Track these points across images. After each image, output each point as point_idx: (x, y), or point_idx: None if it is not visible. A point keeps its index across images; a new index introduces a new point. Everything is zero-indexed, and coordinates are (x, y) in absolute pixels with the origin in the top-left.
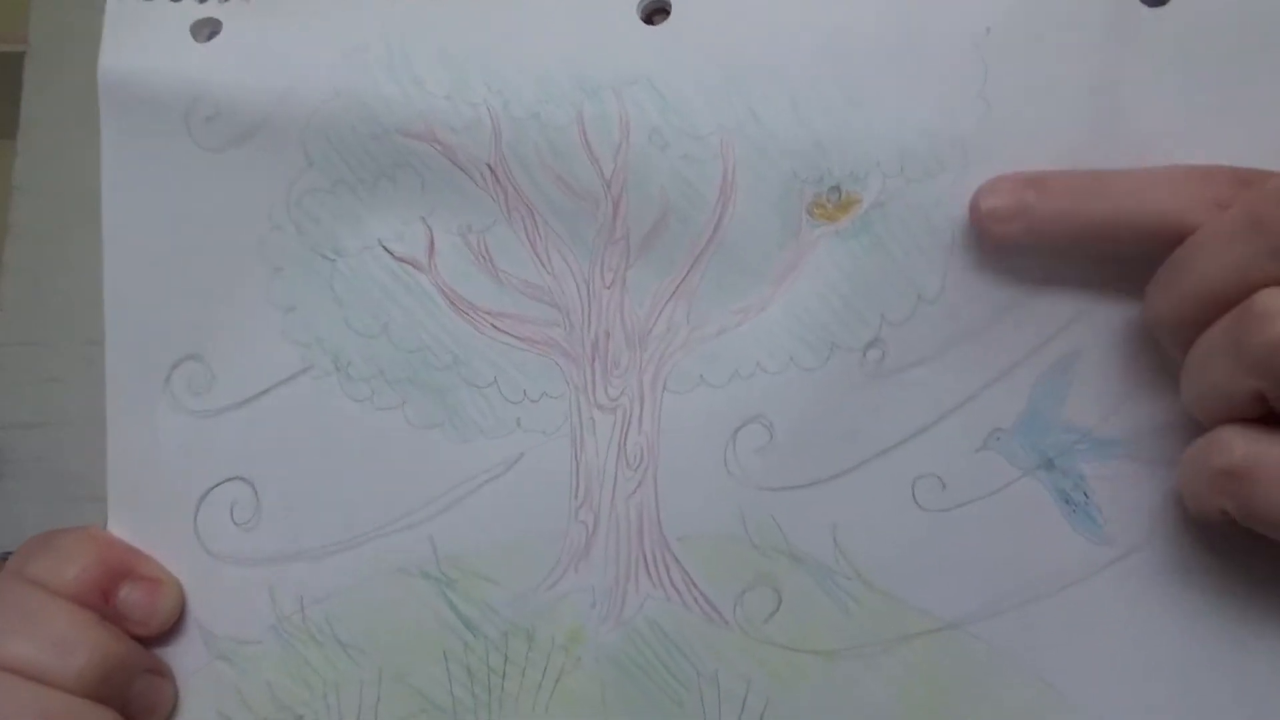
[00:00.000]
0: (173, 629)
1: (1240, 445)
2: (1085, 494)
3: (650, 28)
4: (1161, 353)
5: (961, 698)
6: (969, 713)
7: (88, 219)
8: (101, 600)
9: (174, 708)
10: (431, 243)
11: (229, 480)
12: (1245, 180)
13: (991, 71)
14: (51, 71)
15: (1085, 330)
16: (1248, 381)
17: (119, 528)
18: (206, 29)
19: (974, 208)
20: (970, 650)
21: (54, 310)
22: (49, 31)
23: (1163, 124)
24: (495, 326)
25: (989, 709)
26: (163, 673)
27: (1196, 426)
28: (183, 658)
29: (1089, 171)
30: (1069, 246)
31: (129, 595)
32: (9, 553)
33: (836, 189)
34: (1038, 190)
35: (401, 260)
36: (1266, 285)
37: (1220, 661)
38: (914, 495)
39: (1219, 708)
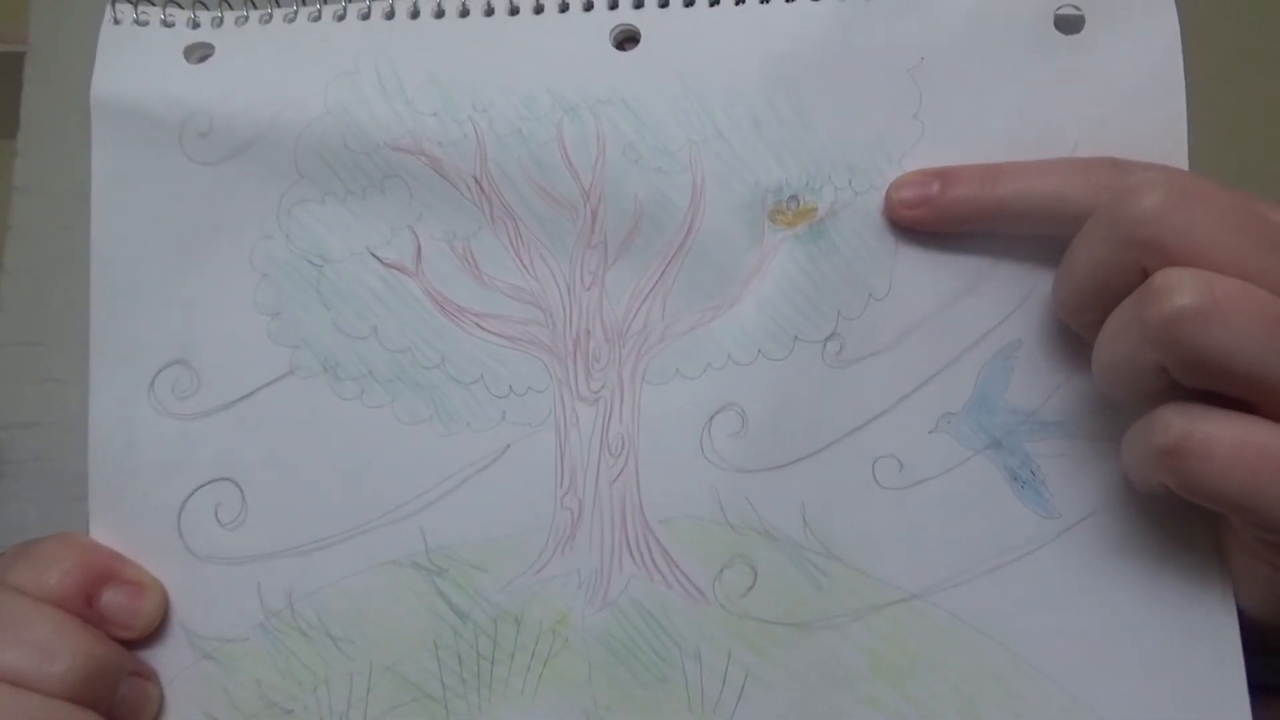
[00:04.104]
0: (157, 631)
1: (1177, 424)
2: (1032, 471)
3: (622, 53)
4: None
5: (929, 664)
6: (936, 678)
7: (88, 219)
8: (84, 605)
9: (160, 710)
10: (419, 249)
11: (214, 481)
12: (1122, 167)
13: (925, 96)
14: (51, 71)
15: (1024, 321)
16: (1149, 355)
17: (101, 533)
18: (199, 52)
19: (887, 198)
20: (934, 619)
21: (54, 310)
22: (49, 31)
23: (1078, 138)
24: (480, 326)
25: (954, 674)
26: (147, 675)
27: (1131, 406)
28: (168, 660)
29: (987, 164)
30: (973, 229)
31: (112, 599)
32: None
33: (795, 198)
34: (942, 181)
35: (390, 266)
36: (1123, 271)
37: (1165, 621)
38: (874, 475)
39: (1166, 664)
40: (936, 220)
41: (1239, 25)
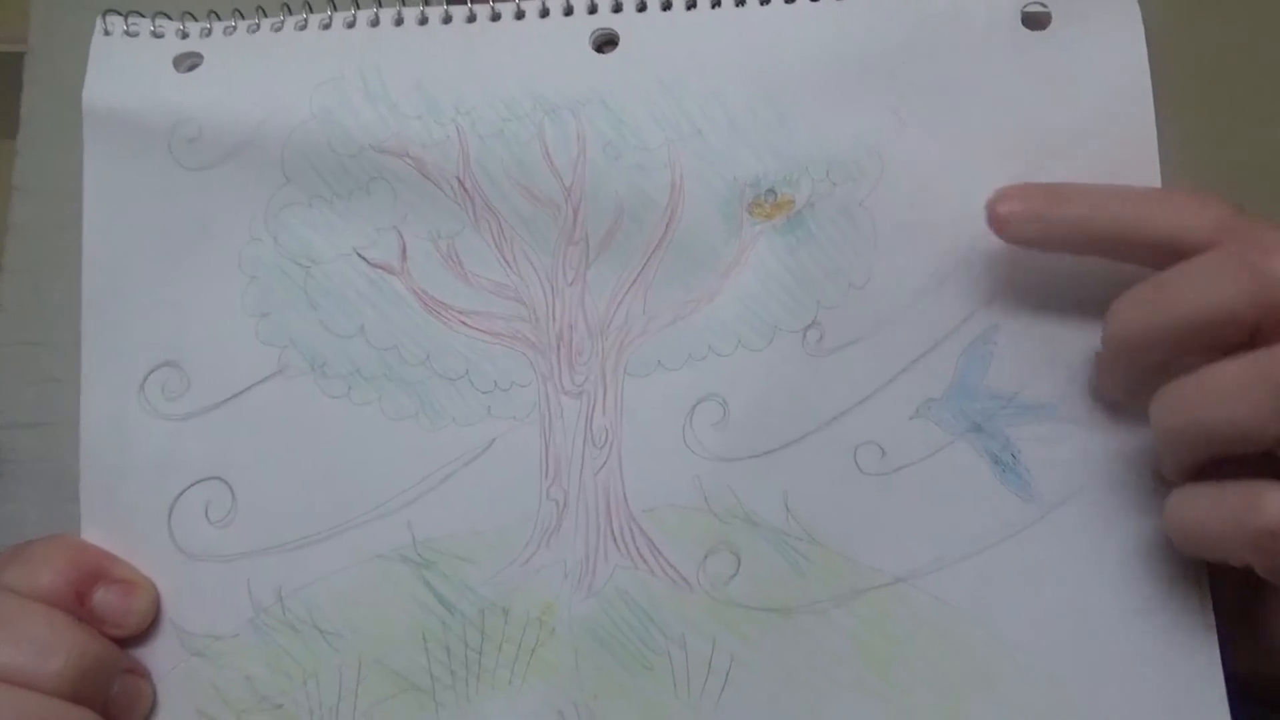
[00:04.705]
0: (148, 629)
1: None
2: (1013, 455)
3: (601, 56)
4: (1073, 336)
5: (913, 647)
6: (920, 661)
7: None
8: (76, 603)
9: (152, 707)
10: (403, 249)
11: (204, 480)
12: (1242, 212)
13: (903, 90)
14: (51, 71)
15: (1002, 307)
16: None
17: (92, 533)
18: (188, 61)
19: (991, 211)
20: (918, 603)
21: (54, 310)
22: (49, 31)
23: (1049, 131)
24: (465, 323)
25: (938, 656)
26: (140, 673)
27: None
28: (159, 657)
29: (1100, 186)
30: (1076, 251)
31: (103, 598)
32: None
33: (772, 191)
34: (1053, 199)
35: (375, 266)
36: (1235, 323)
37: (1144, 602)
38: (856, 461)
39: (1145, 644)
40: (1045, 239)
41: (1205, 18)
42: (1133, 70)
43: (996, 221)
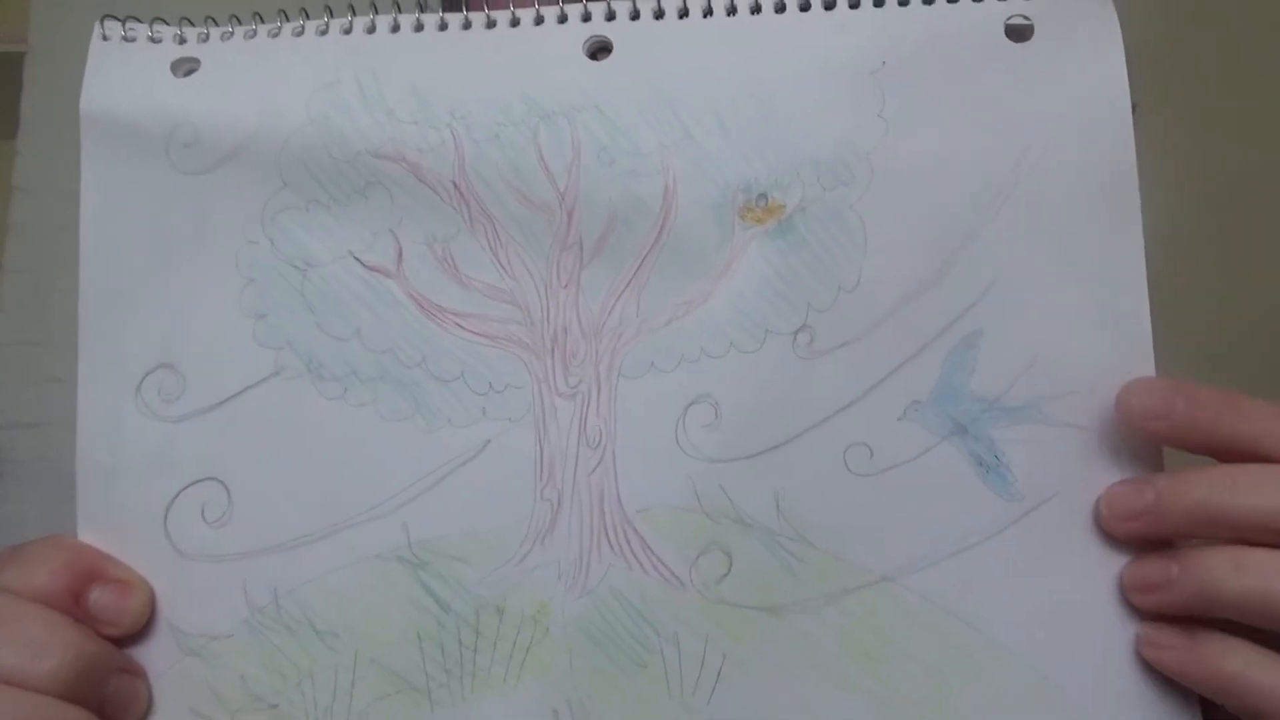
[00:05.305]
0: (144, 629)
1: None
2: (996, 456)
3: (595, 63)
4: (1055, 341)
5: (901, 644)
6: (907, 658)
7: None
8: (72, 603)
9: (148, 706)
10: (400, 252)
11: (200, 481)
12: None
13: (889, 96)
14: (51, 71)
15: (986, 312)
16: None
17: (89, 534)
18: (185, 66)
19: (1124, 403)
20: (904, 600)
21: (54, 310)
22: (49, 31)
23: (1032, 139)
24: (461, 326)
25: (925, 653)
26: (136, 672)
27: (1090, 393)
28: (155, 657)
29: (1231, 395)
30: (1196, 451)
31: (99, 597)
32: None
33: (764, 196)
34: (1185, 398)
35: (372, 269)
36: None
37: (1124, 597)
38: (845, 462)
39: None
40: (1175, 438)
41: (1201, 20)
42: (1112, 81)
43: (1128, 412)
